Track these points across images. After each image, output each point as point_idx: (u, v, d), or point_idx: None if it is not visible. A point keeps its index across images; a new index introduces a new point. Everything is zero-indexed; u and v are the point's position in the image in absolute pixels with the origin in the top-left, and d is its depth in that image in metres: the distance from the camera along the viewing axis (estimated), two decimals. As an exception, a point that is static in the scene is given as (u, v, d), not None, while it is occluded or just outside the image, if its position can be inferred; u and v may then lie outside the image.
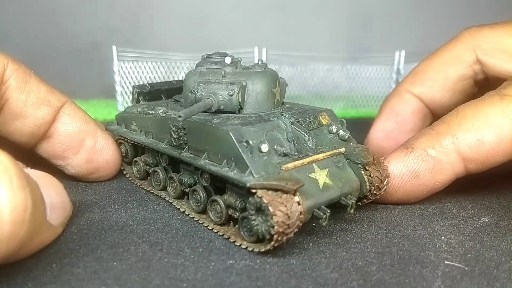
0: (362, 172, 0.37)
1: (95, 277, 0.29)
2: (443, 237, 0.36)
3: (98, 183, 0.47)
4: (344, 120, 0.40)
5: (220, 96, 0.37)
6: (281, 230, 0.30)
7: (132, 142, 0.47)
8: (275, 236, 0.30)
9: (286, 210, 0.30)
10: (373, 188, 0.38)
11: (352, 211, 0.35)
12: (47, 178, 0.33)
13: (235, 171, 0.33)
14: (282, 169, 0.33)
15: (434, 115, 0.52)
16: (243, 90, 0.38)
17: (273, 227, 0.30)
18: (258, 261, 0.32)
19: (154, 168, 0.45)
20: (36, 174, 0.32)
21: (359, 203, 0.39)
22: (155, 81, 0.71)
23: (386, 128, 0.52)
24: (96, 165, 0.46)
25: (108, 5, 0.93)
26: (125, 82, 0.82)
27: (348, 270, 0.31)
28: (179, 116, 0.34)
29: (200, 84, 0.38)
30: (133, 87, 0.51)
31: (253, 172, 0.32)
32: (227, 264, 0.31)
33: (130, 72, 0.81)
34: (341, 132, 0.39)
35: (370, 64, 0.90)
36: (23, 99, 0.41)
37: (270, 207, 0.30)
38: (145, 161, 0.46)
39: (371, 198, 0.39)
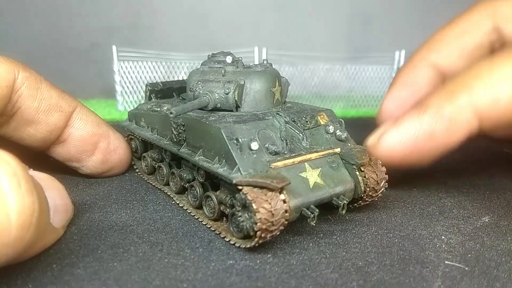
0: (357, 173, 0.37)
1: (95, 278, 0.29)
2: (443, 237, 0.36)
3: (98, 183, 0.47)
4: (343, 121, 0.40)
5: (216, 95, 0.38)
6: (264, 227, 0.30)
7: (141, 138, 0.48)
8: (258, 233, 0.31)
9: (270, 208, 0.30)
10: (368, 189, 0.37)
11: (343, 212, 0.35)
12: (50, 180, 0.33)
13: (225, 167, 0.33)
14: (271, 167, 0.33)
15: None
16: (240, 89, 0.38)
17: (256, 223, 0.30)
18: (258, 261, 0.32)
19: (159, 163, 0.46)
20: (40, 177, 0.32)
21: (356, 204, 0.39)
22: (155, 81, 0.71)
23: (400, 98, 0.50)
24: (111, 165, 0.48)
25: (108, 5, 0.92)
26: (125, 82, 0.82)
27: (348, 270, 0.31)
28: (171, 113, 0.35)
29: (199, 83, 0.39)
30: (146, 85, 0.52)
31: (241, 169, 0.32)
32: (227, 265, 0.31)
33: (130, 72, 0.81)
34: (338, 132, 0.39)
35: (370, 64, 0.90)
36: (35, 106, 0.41)
37: (253, 204, 0.30)
38: (151, 156, 0.48)
39: (367, 200, 0.38)
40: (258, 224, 0.30)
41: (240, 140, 0.33)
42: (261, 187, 0.31)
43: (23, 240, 0.26)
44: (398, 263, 0.32)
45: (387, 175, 0.38)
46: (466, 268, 0.31)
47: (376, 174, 0.37)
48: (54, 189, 0.33)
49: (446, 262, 0.32)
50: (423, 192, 0.46)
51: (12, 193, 0.25)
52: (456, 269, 0.31)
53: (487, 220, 0.39)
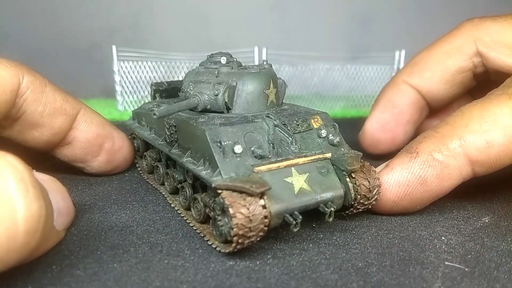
0: (347, 179, 0.35)
1: (95, 279, 0.29)
2: (443, 238, 0.36)
3: (97, 183, 0.47)
4: (337, 125, 0.38)
5: (206, 96, 0.37)
6: (241, 232, 0.30)
7: (140, 137, 0.49)
8: (235, 238, 0.30)
9: (247, 213, 0.30)
10: (359, 197, 0.36)
11: (330, 219, 0.34)
12: (54, 182, 0.33)
13: (208, 170, 0.33)
14: (254, 171, 0.32)
15: (431, 107, 0.51)
16: (231, 90, 0.37)
17: (232, 228, 0.30)
18: (258, 262, 0.32)
19: (157, 163, 0.46)
20: (43, 179, 0.31)
21: (347, 212, 0.37)
22: (155, 81, 0.71)
23: (382, 119, 0.51)
24: (116, 164, 0.48)
25: (108, 4, 0.92)
26: (125, 82, 0.82)
27: (348, 271, 0.31)
28: (154, 114, 0.34)
29: (190, 83, 0.39)
30: (151, 84, 0.53)
31: (222, 172, 0.32)
32: (227, 266, 0.31)
33: (130, 72, 0.81)
34: (330, 137, 0.37)
35: (370, 64, 0.90)
36: (40, 110, 0.41)
37: (230, 209, 0.30)
38: (150, 155, 0.48)
39: (359, 208, 0.37)
40: (235, 229, 0.29)
41: (223, 143, 0.33)
42: (241, 192, 0.30)
43: (29, 245, 0.26)
44: (398, 264, 0.32)
45: (381, 183, 0.37)
46: (466, 269, 0.31)
47: (368, 181, 0.36)
48: (57, 192, 0.33)
49: (446, 263, 0.32)
50: (423, 192, 0.45)
51: (20, 199, 0.25)
52: (456, 270, 0.31)
53: (487, 220, 0.39)
